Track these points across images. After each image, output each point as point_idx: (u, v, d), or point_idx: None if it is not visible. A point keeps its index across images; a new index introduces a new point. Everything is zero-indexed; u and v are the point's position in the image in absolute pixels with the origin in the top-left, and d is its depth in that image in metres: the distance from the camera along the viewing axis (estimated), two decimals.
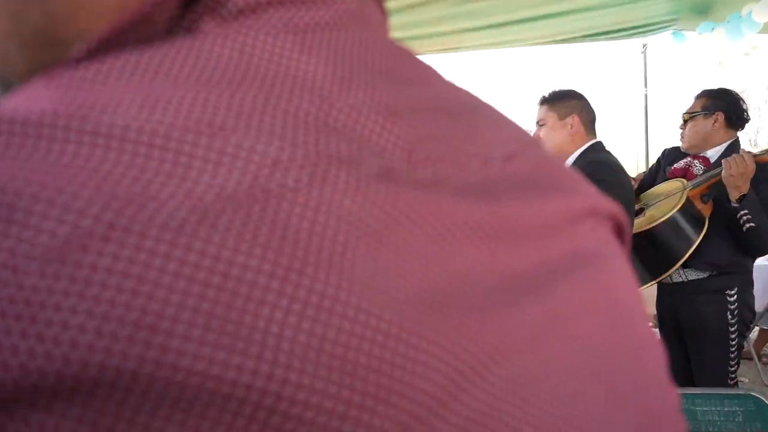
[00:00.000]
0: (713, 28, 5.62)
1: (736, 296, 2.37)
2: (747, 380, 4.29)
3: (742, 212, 2.24)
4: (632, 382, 0.27)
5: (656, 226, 2.32)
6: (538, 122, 2.19)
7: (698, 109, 2.48)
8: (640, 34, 6.61)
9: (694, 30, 6.14)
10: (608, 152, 2.15)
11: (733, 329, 2.37)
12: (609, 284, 0.29)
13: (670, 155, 2.69)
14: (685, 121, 2.52)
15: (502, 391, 0.21)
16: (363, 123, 0.23)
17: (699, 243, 2.36)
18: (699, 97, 2.54)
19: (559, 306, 0.25)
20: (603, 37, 6.87)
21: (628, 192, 2.02)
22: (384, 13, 0.31)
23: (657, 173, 2.71)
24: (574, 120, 2.10)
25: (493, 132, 0.29)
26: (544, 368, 0.23)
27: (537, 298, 0.24)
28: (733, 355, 2.38)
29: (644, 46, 7.16)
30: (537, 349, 0.23)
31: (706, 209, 2.36)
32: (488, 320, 0.22)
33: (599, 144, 2.15)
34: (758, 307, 3.31)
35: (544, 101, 2.18)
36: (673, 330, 2.55)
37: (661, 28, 6.32)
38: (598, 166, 1.95)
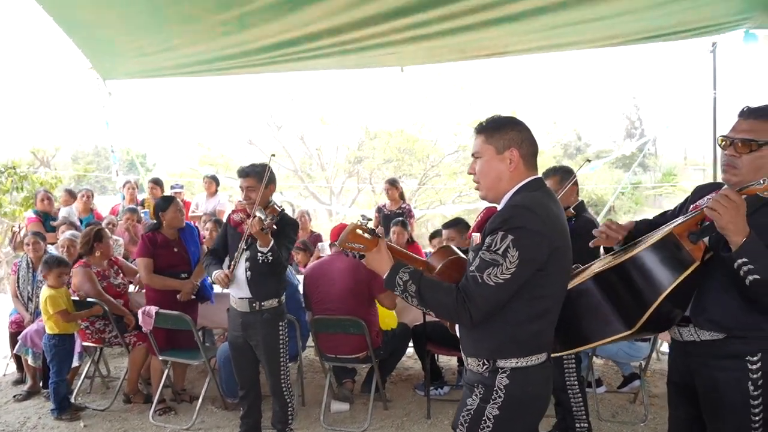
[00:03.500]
0: None
1: (760, 364, 1.99)
2: None
3: (740, 261, 1.86)
4: None
5: (621, 263, 1.96)
6: (473, 154, 1.96)
7: (766, 136, 1.97)
8: (707, 33, 6.15)
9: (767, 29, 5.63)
10: (544, 191, 1.90)
11: (756, 402, 2.00)
12: None
13: (701, 192, 2.26)
14: (751, 150, 1.97)
15: None
16: None
17: (703, 297, 2.04)
18: (759, 117, 2.02)
19: None
20: (666, 38, 6.42)
21: (554, 238, 1.77)
22: None
23: (679, 214, 2.27)
24: (513, 154, 1.88)
25: None
26: None
27: None
28: None
29: (713, 44, 6.71)
30: None
31: (696, 250, 1.92)
32: None
33: (537, 181, 1.91)
34: None
35: (482, 131, 1.93)
36: (684, 391, 2.22)
37: (731, 26, 5.85)
38: (519, 211, 1.76)
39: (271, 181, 3.49)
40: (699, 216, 1.99)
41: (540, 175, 2.02)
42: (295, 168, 18.75)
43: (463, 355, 1.97)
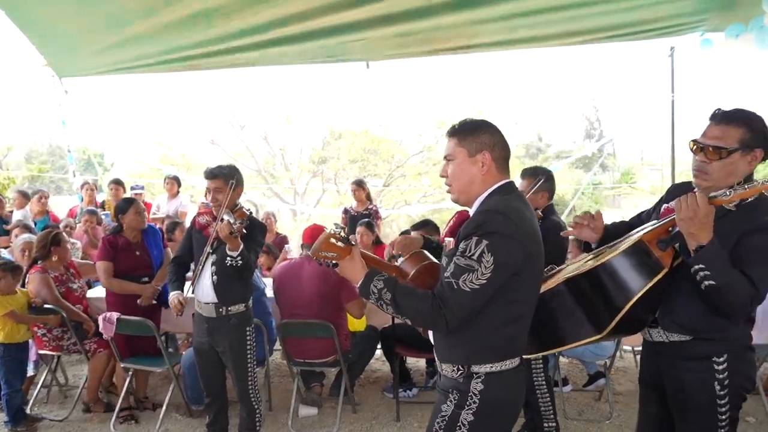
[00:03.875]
0: (738, 35, 5.29)
1: (726, 364, 2.04)
2: (754, 420, 4.02)
3: (696, 267, 1.91)
4: None
5: (594, 268, 1.98)
6: (445, 157, 1.94)
7: (735, 143, 1.99)
8: (666, 34, 6.28)
9: (722, 32, 5.80)
10: (516, 195, 1.89)
11: (723, 402, 2.05)
12: None
13: (675, 192, 2.27)
14: (720, 157, 1.98)
15: None
16: None
17: (671, 300, 2.07)
18: (729, 123, 2.02)
19: None
20: (628, 37, 6.56)
21: (527, 242, 1.77)
22: None
23: (652, 216, 2.32)
24: (485, 157, 1.87)
25: None
26: None
27: None
28: (724, 431, 2.07)
29: (672, 49, 6.88)
30: None
31: (665, 257, 1.97)
32: None
33: (509, 185, 1.91)
34: (761, 339, 3.07)
35: (454, 133, 1.93)
36: (654, 390, 2.28)
37: (689, 27, 5.98)
38: (492, 216, 1.75)
39: (240, 183, 3.41)
40: (668, 223, 2.02)
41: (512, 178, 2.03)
42: (258, 168, 18.51)
43: (437, 360, 1.95)
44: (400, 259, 2.08)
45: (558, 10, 5.27)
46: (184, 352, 4.47)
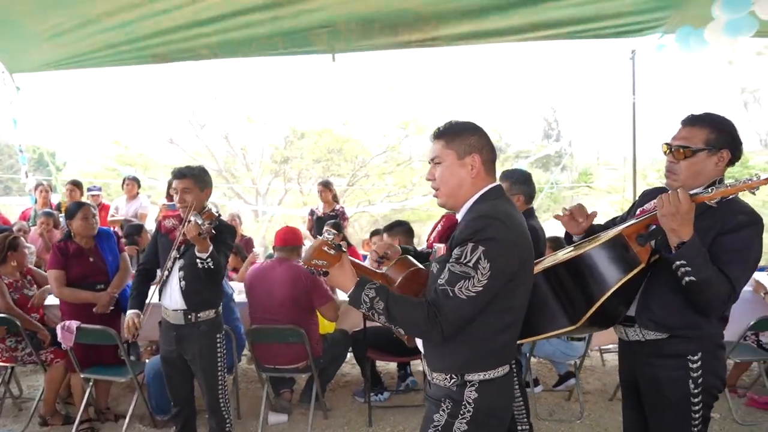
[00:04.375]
0: (687, 36, 5.42)
1: (700, 363, 2.07)
2: (718, 416, 4.10)
3: (678, 263, 1.95)
4: None
5: (572, 259, 2.01)
6: (432, 159, 1.89)
7: (700, 143, 2.07)
8: (625, 33, 6.38)
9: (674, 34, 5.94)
10: (505, 199, 1.87)
11: (696, 400, 2.08)
12: None
13: (648, 196, 2.36)
14: (686, 156, 2.07)
15: None
16: None
17: (648, 298, 2.11)
18: (695, 125, 2.11)
19: None
20: (590, 33, 6.64)
21: (522, 248, 1.75)
22: None
23: (627, 218, 2.35)
24: (474, 160, 1.82)
25: None
26: None
27: None
28: (696, 429, 2.10)
29: (633, 52, 7.02)
30: None
31: (643, 253, 2.01)
32: None
33: (498, 188, 1.87)
34: (731, 336, 3.14)
35: (441, 135, 1.88)
36: (632, 389, 2.32)
37: (649, 26, 6.07)
38: (488, 222, 1.70)
39: (208, 184, 3.30)
40: (648, 219, 2.07)
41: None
42: (219, 168, 18.15)
43: (426, 369, 1.89)
44: (384, 267, 2.02)
45: (519, 6, 5.32)
46: (146, 360, 4.31)
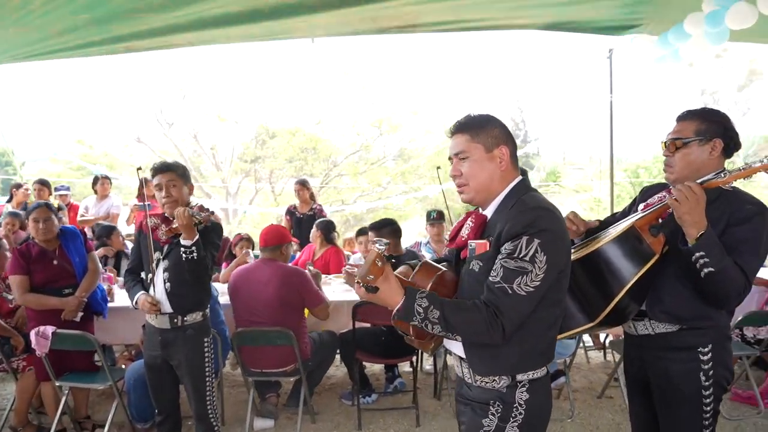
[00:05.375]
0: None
1: (710, 355, 2.07)
2: None
3: (698, 254, 1.93)
4: None
5: (586, 255, 1.99)
6: (457, 155, 1.79)
7: (690, 134, 2.12)
8: (604, 31, 6.37)
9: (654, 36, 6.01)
10: (535, 190, 1.81)
11: (707, 393, 2.07)
12: None
13: (649, 191, 2.36)
14: (677, 148, 2.13)
15: None
16: None
17: (660, 290, 2.09)
18: (686, 118, 2.18)
19: None
20: (566, 26, 6.65)
21: (568, 238, 1.72)
22: None
23: (629, 214, 2.33)
24: (503, 152, 1.76)
25: None
26: None
27: None
28: (707, 422, 2.09)
29: (610, 51, 7.09)
30: None
31: (656, 244, 2.00)
32: None
33: (525, 181, 1.81)
34: None
35: (464, 129, 1.79)
36: (639, 387, 2.30)
37: (625, 25, 6.12)
38: (539, 213, 1.64)
39: (190, 179, 3.17)
40: (661, 209, 2.07)
41: None
42: (188, 167, 17.82)
43: (467, 373, 1.79)
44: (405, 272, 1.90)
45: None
46: (123, 366, 4.13)
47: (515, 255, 1.60)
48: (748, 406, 4.22)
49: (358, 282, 1.65)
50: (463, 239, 1.79)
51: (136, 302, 3.07)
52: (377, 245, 1.63)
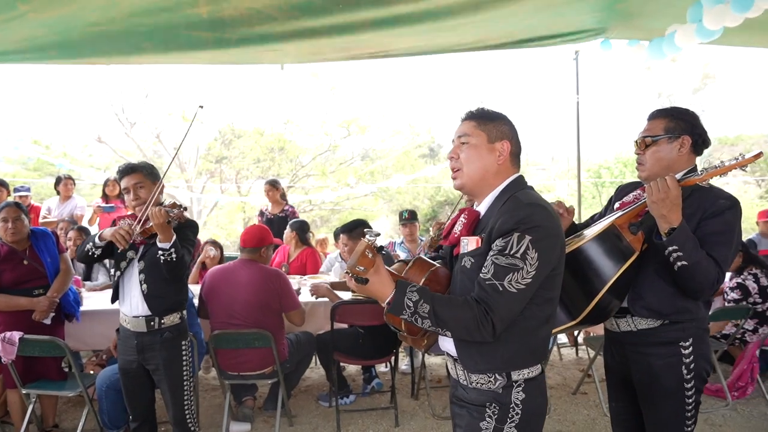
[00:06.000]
0: (638, 42, 5.64)
1: (691, 348, 2.12)
2: None
3: (670, 248, 1.99)
4: None
5: (568, 254, 1.91)
6: (459, 137, 1.80)
7: (660, 132, 2.19)
8: (570, 41, 6.54)
9: (622, 39, 6.16)
10: (531, 188, 1.80)
11: (689, 386, 2.13)
12: None
13: (624, 190, 2.43)
14: (647, 146, 2.19)
15: None
16: None
17: (640, 286, 2.14)
18: (656, 117, 2.24)
19: None
20: (534, 43, 6.78)
21: (561, 235, 1.70)
22: None
23: (605, 214, 2.40)
24: (504, 147, 1.77)
25: None
26: None
27: None
28: (690, 414, 2.14)
29: (576, 53, 7.18)
30: None
31: (636, 241, 2.05)
32: None
33: (522, 178, 1.81)
34: None
35: (473, 117, 1.81)
36: (622, 383, 2.34)
37: (591, 35, 6.28)
38: (532, 209, 1.63)
39: (158, 177, 3.06)
40: (639, 208, 2.13)
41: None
42: None
43: (461, 373, 1.77)
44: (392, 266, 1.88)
45: (474, 24, 5.31)
46: (92, 372, 3.99)
47: (506, 251, 1.59)
48: (717, 398, 4.35)
49: (347, 272, 1.63)
50: (456, 236, 1.77)
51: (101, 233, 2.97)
52: (368, 236, 1.60)
